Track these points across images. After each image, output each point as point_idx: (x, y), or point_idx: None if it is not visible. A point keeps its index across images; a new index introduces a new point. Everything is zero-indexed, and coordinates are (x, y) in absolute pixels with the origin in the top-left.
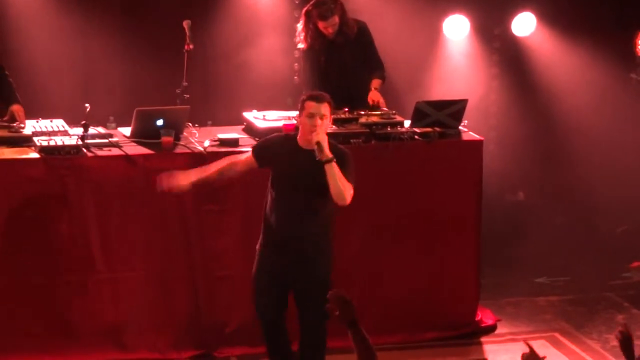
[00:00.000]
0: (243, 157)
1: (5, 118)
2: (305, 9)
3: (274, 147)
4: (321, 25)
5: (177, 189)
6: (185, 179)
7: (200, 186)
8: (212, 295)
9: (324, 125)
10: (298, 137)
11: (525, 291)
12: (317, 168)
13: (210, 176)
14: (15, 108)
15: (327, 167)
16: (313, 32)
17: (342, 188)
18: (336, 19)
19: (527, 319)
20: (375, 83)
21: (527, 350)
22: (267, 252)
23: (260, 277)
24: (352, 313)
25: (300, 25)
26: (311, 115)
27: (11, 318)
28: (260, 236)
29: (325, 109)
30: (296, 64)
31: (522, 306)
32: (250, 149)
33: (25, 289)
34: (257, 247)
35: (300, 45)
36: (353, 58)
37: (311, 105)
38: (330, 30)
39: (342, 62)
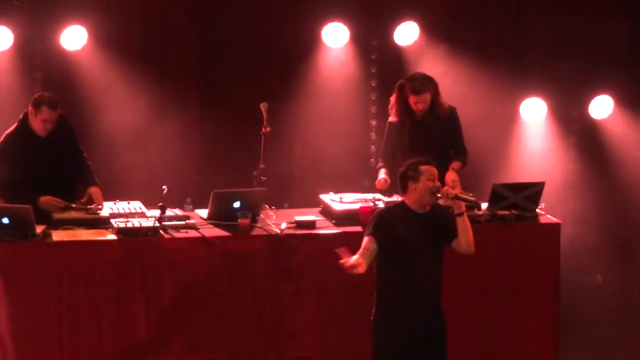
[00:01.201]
0: (362, 250)
1: (83, 200)
2: (399, 82)
3: (388, 219)
4: (412, 100)
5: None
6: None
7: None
8: None
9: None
10: (409, 204)
11: None
12: (433, 230)
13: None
14: (93, 190)
15: (462, 218)
16: (404, 108)
17: (472, 236)
18: (428, 95)
19: None
20: (455, 165)
21: None
22: (398, 344)
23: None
24: None
25: (392, 99)
26: (432, 177)
27: None
28: (382, 320)
29: (436, 171)
30: (374, 134)
31: None
32: (366, 235)
33: None
34: (378, 335)
35: (391, 119)
36: (439, 140)
37: (429, 169)
38: (420, 106)
39: (428, 142)
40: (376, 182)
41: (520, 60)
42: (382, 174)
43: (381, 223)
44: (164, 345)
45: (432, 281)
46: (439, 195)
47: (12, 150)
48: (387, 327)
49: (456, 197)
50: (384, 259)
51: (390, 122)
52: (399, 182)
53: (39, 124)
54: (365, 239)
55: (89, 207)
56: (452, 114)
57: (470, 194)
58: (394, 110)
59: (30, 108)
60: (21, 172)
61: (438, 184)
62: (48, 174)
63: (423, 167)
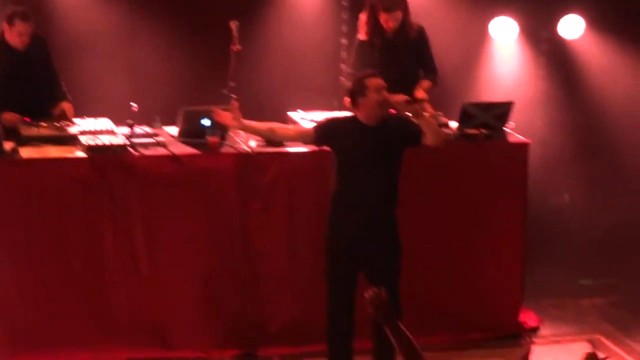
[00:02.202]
0: (299, 127)
1: (56, 112)
2: (370, 1)
3: (337, 128)
4: (383, 17)
5: (226, 125)
6: (237, 121)
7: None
8: (257, 293)
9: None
10: (360, 118)
11: (569, 293)
12: (383, 141)
13: (260, 129)
14: (65, 105)
15: (422, 119)
16: (374, 26)
17: (439, 129)
18: (399, 14)
19: (571, 321)
20: (425, 84)
21: (589, 350)
22: (344, 238)
23: (340, 266)
24: (387, 309)
25: (363, 17)
26: (379, 90)
27: (57, 316)
28: (331, 227)
29: (384, 83)
30: (344, 53)
31: (566, 308)
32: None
33: (70, 288)
34: (327, 241)
35: (360, 37)
36: (409, 59)
37: (375, 81)
38: (391, 24)
39: (398, 62)
40: (344, 100)
41: None
42: None
43: (328, 127)
44: (131, 263)
45: (382, 194)
46: (390, 105)
47: None
48: (336, 234)
49: (406, 103)
50: (335, 169)
51: (359, 40)
52: (349, 98)
53: (16, 38)
54: (310, 130)
55: (57, 123)
56: (421, 33)
57: (440, 113)
58: (364, 29)
59: (4, 25)
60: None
61: (385, 95)
62: (23, 88)
63: (369, 81)
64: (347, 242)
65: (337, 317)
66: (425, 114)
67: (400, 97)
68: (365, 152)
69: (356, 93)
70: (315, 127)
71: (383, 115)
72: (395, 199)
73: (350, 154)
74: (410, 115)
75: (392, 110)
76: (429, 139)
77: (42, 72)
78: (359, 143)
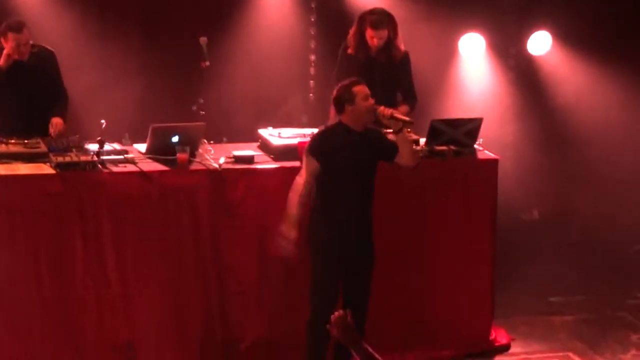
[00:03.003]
0: (307, 169)
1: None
2: (360, 14)
3: (328, 140)
4: (369, 33)
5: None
6: (292, 230)
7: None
8: (227, 311)
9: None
10: (347, 124)
11: (540, 310)
12: (371, 148)
13: (300, 206)
14: (54, 120)
15: (402, 135)
16: (359, 41)
17: (415, 149)
18: (385, 32)
19: (542, 338)
20: (403, 109)
21: None
22: (332, 245)
23: (328, 272)
24: (353, 335)
25: (351, 31)
26: (366, 97)
27: (23, 332)
28: (316, 232)
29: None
30: (313, 69)
31: (537, 325)
32: (307, 155)
33: (39, 304)
34: (316, 245)
35: (345, 48)
36: (389, 80)
37: (362, 89)
38: (375, 41)
39: (377, 81)
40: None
41: None
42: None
43: (322, 140)
44: (101, 280)
45: (362, 199)
46: (376, 114)
47: None
48: (320, 233)
49: (392, 117)
50: (321, 172)
51: (344, 52)
52: (334, 106)
53: (13, 50)
54: (307, 159)
55: (26, 141)
56: (405, 58)
57: (409, 130)
58: (350, 42)
59: (1, 40)
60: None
61: (372, 102)
62: (22, 98)
63: (356, 88)
64: (334, 239)
65: (321, 309)
66: (408, 134)
67: (387, 110)
68: (355, 156)
69: (344, 100)
70: (309, 151)
71: (369, 122)
72: (372, 205)
73: (341, 159)
74: (391, 130)
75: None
76: (403, 158)
77: (44, 84)
78: (349, 149)
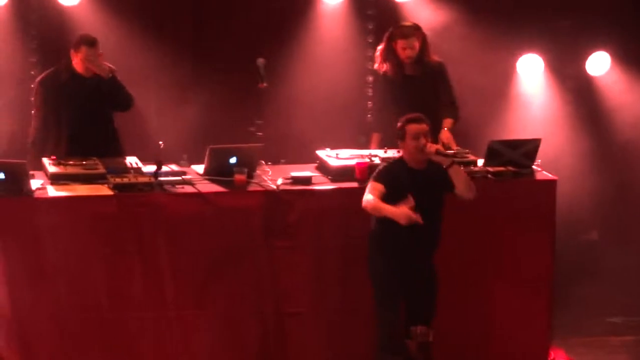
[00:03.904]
0: (374, 191)
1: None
2: (387, 33)
3: (395, 174)
4: (400, 44)
5: None
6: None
7: None
8: (283, 333)
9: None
10: (406, 161)
11: (599, 331)
12: (432, 185)
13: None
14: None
15: (453, 169)
16: (391, 59)
17: (469, 182)
18: (416, 42)
19: (600, 359)
20: (447, 123)
21: None
22: (396, 277)
23: (393, 305)
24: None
25: (380, 48)
26: (416, 136)
27: (81, 353)
28: (381, 264)
29: (425, 128)
30: (370, 90)
31: (595, 346)
32: (374, 182)
33: (96, 325)
34: (379, 276)
35: (378, 68)
36: (428, 94)
37: (413, 128)
38: (408, 52)
39: (417, 97)
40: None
41: (517, 16)
42: (374, 145)
43: (388, 173)
44: (158, 301)
45: (429, 237)
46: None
47: (52, 90)
48: (379, 263)
49: (437, 153)
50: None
51: (379, 74)
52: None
53: (80, 63)
54: (374, 184)
55: (84, 162)
56: (441, 67)
57: (455, 149)
58: (379, 60)
59: (71, 51)
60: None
61: (423, 141)
62: (83, 116)
63: (408, 127)
64: (395, 269)
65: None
66: (459, 168)
67: (432, 146)
68: (418, 197)
69: (398, 137)
70: (375, 179)
71: (424, 159)
72: (438, 241)
73: (404, 197)
74: (443, 164)
75: None
76: (458, 189)
77: (105, 102)
78: (412, 188)
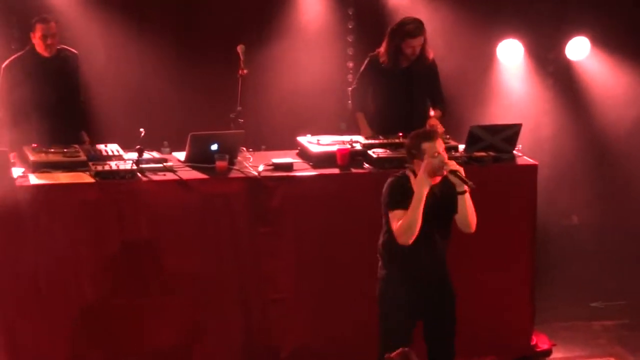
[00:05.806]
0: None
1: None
2: (390, 27)
3: (404, 194)
4: (408, 43)
5: None
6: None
7: None
8: (266, 318)
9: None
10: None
11: (581, 316)
12: (442, 203)
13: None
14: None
15: (462, 197)
16: (394, 54)
17: (474, 218)
18: (422, 40)
19: (583, 343)
20: (436, 113)
21: None
22: (404, 290)
23: (395, 316)
24: None
25: (384, 44)
26: (435, 154)
27: (64, 337)
28: (385, 274)
29: (442, 144)
30: (351, 76)
31: (577, 331)
32: (391, 211)
33: (77, 311)
34: (384, 286)
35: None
36: (420, 89)
37: (430, 146)
38: (413, 50)
39: (410, 91)
40: (363, 135)
41: (496, 1)
42: (364, 124)
43: (397, 194)
44: (140, 288)
45: (440, 252)
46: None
47: (17, 72)
48: (397, 289)
49: (452, 173)
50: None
51: (376, 64)
52: (406, 154)
53: (39, 41)
54: (393, 213)
55: (65, 150)
56: (434, 64)
57: (448, 136)
58: (384, 55)
59: (30, 34)
60: (29, 92)
61: (442, 158)
62: (46, 95)
63: (425, 145)
64: (406, 294)
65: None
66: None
67: (454, 165)
68: (428, 216)
69: (413, 156)
70: (391, 206)
71: (440, 175)
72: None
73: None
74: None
75: None
76: (459, 218)
77: (65, 84)
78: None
